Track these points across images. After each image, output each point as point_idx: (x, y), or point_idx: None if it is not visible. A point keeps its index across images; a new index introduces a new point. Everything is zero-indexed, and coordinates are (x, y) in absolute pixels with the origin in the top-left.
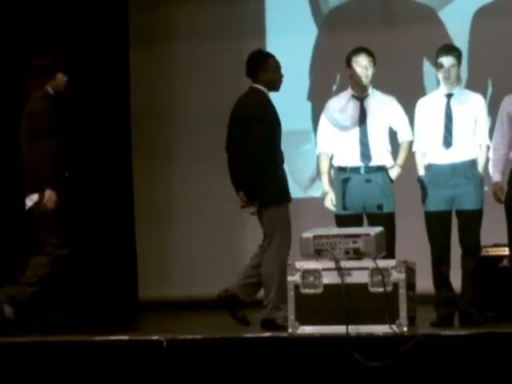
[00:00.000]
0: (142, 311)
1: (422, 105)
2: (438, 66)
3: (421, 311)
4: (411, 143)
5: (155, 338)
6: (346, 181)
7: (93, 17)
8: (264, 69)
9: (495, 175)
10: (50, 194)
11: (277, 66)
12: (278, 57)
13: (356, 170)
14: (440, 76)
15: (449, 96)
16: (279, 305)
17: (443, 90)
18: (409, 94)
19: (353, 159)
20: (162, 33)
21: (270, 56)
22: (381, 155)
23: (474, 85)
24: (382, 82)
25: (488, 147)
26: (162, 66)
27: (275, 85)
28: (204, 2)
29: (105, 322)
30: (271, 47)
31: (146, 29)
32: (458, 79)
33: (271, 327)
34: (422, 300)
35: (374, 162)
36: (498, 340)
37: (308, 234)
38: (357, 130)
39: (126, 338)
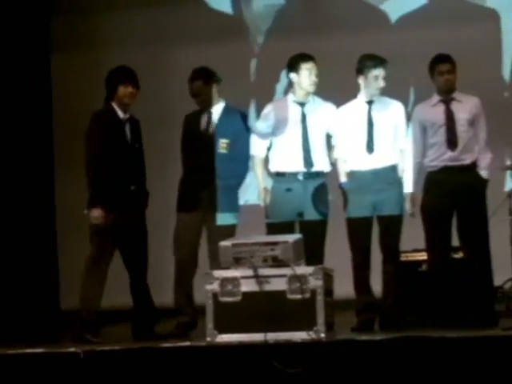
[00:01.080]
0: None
1: (343, 113)
2: (367, 75)
3: (343, 316)
4: None
5: (72, 349)
6: (273, 189)
7: (13, 22)
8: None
9: (407, 185)
10: None
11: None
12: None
13: (294, 176)
14: (368, 85)
15: (369, 103)
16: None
17: (363, 97)
18: (339, 100)
19: (294, 165)
20: (84, 39)
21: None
22: (322, 161)
23: (397, 92)
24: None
25: (407, 152)
26: (84, 72)
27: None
28: (127, 9)
29: (23, 334)
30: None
31: (68, 35)
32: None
33: None
34: (344, 305)
35: (316, 168)
36: (417, 344)
37: (226, 243)
38: (298, 136)
39: (41, 350)
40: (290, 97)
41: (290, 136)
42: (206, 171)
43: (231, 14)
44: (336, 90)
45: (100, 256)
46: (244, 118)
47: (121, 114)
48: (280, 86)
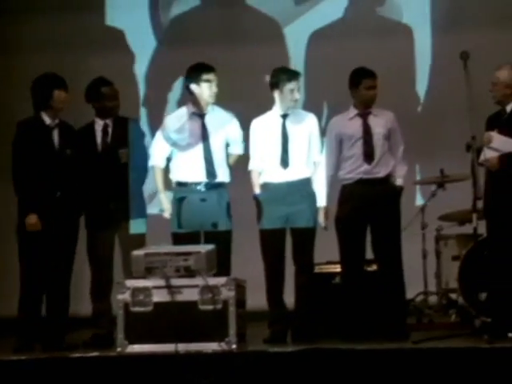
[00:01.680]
0: None
1: (258, 125)
2: (282, 88)
3: (256, 328)
4: (239, 157)
5: None
6: (181, 199)
7: None
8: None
9: (320, 198)
10: None
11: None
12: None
13: (195, 186)
14: (284, 98)
15: (284, 116)
16: None
17: (278, 110)
18: (250, 111)
19: (196, 175)
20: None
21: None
22: (223, 172)
23: (311, 105)
24: (222, 98)
25: (321, 165)
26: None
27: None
28: (45, 14)
29: None
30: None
31: None
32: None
33: None
34: (258, 317)
35: (218, 179)
36: (328, 356)
37: (139, 252)
38: (200, 147)
39: None
40: (189, 108)
41: (192, 147)
42: (111, 183)
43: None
44: (240, 101)
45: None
46: (136, 123)
47: (48, 120)
48: (172, 96)
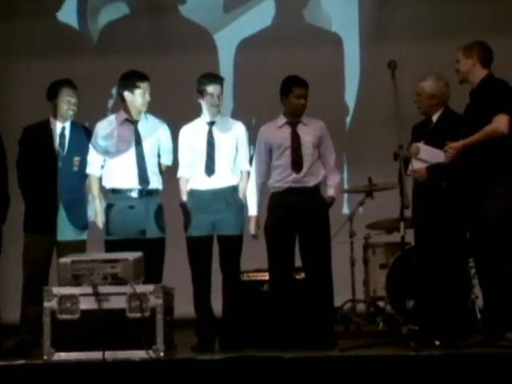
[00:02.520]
0: None
1: (185, 132)
2: (204, 94)
3: (184, 335)
4: (167, 167)
5: None
6: (110, 207)
7: None
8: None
9: (251, 208)
10: None
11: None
12: None
13: (128, 192)
14: (206, 103)
15: (211, 124)
16: None
17: (206, 117)
18: (180, 119)
19: (129, 182)
20: None
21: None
22: (156, 178)
23: (239, 113)
24: (152, 107)
25: (248, 173)
26: None
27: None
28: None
29: None
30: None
31: None
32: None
33: None
34: (186, 324)
35: (151, 186)
36: (255, 364)
37: (66, 259)
38: (132, 153)
39: None
40: (122, 115)
41: (125, 154)
42: (54, 188)
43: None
44: (170, 109)
45: None
46: (89, 133)
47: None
48: (104, 104)
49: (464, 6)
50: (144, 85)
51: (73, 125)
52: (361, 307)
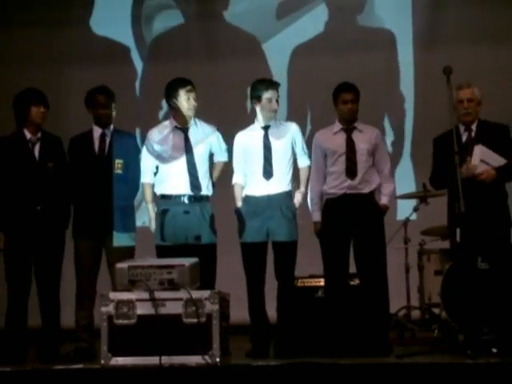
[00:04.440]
0: None
1: (240, 138)
2: (261, 99)
3: (239, 341)
4: (225, 165)
5: None
6: (164, 212)
7: None
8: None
9: (315, 214)
10: None
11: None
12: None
13: (179, 198)
14: (263, 108)
15: (266, 128)
16: None
17: (260, 122)
18: (231, 125)
19: (180, 188)
20: None
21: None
22: (206, 185)
23: (294, 119)
24: (204, 113)
25: (309, 167)
26: None
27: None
28: (25, 27)
29: None
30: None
31: None
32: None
33: None
34: (240, 330)
35: (202, 192)
36: (311, 370)
37: (122, 265)
38: (183, 160)
39: None
40: (172, 122)
41: (175, 159)
42: (103, 193)
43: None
44: (222, 115)
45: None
46: (134, 139)
47: (29, 135)
48: (161, 112)
49: None
50: (187, 89)
51: (115, 129)
52: (416, 314)
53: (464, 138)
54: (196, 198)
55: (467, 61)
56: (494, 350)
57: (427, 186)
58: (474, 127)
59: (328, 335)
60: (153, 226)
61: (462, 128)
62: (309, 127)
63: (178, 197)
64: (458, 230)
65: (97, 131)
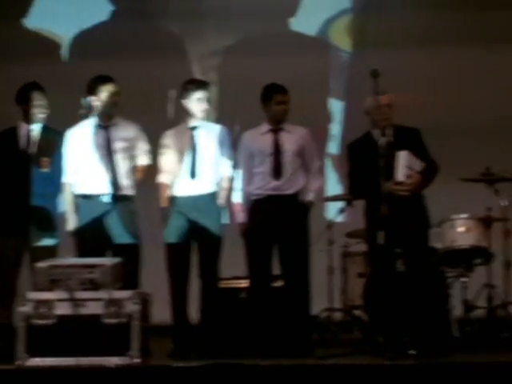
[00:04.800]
0: None
1: (168, 137)
2: (192, 99)
3: (161, 342)
4: (147, 167)
5: None
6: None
7: None
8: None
9: (239, 215)
10: None
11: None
12: None
13: (100, 198)
14: (193, 108)
15: (193, 128)
16: None
17: (189, 122)
18: (157, 125)
19: (101, 188)
20: None
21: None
22: (128, 184)
23: (223, 120)
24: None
25: (230, 179)
26: None
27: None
28: None
29: None
30: None
31: None
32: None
33: None
34: (164, 331)
35: (124, 191)
36: (232, 371)
37: (43, 264)
38: (104, 160)
39: None
40: (94, 120)
41: (96, 159)
42: (24, 191)
43: None
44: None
45: None
46: (61, 137)
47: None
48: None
49: (454, 14)
50: (107, 86)
51: (44, 126)
52: (338, 316)
53: (381, 141)
54: (117, 197)
55: (396, 65)
56: (412, 352)
57: None
58: (389, 131)
59: (250, 336)
60: (70, 226)
61: (375, 132)
62: (237, 128)
63: (99, 196)
64: (379, 233)
65: (23, 127)
